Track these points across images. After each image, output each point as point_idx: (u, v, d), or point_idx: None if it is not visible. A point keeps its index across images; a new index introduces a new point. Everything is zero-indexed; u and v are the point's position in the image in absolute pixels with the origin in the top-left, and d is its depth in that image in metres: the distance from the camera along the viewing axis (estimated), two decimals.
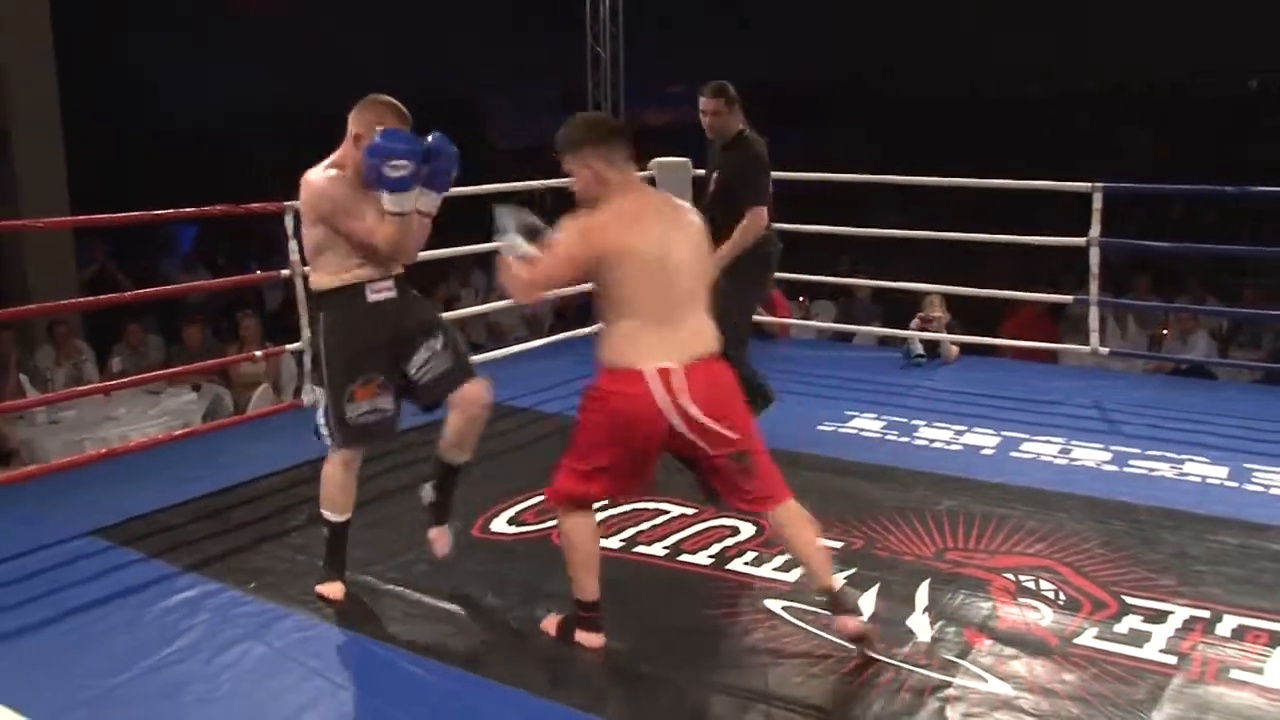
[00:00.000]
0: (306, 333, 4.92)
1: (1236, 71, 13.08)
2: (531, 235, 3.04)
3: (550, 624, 3.22)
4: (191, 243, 12.18)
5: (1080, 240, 5.80)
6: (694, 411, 2.90)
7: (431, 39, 14.54)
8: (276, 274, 4.98)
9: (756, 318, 6.96)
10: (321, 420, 3.46)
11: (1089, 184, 5.70)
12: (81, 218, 6.51)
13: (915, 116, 14.33)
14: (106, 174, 10.19)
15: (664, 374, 2.88)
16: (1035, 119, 14.31)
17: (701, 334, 3.00)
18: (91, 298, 6.12)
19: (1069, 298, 6.24)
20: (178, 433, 4.89)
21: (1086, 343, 6.05)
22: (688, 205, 3.19)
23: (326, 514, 3.48)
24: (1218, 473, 4.62)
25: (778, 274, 6.98)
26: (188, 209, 4.58)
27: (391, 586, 3.56)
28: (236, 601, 3.48)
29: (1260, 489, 4.45)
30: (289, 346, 5.24)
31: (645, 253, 2.90)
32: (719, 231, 4.77)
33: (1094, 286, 5.81)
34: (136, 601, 3.49)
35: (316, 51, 14.27)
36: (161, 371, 5.55)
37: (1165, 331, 7.90)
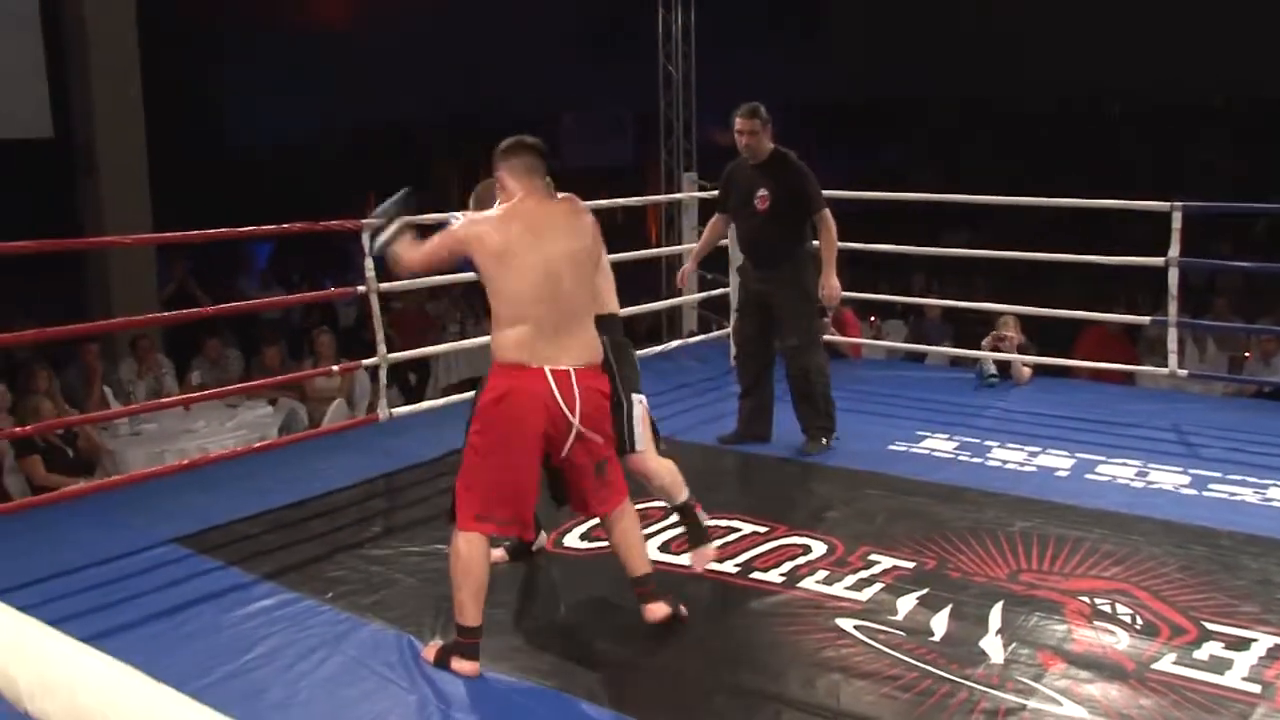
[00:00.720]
0: (382, 348, 5.02)
1: None
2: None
3: (430, 652, 3.19)
4: (267, 261, 12.43)
5: (1159, 260, 5.71)
6: (579, 414, 3.11)
7: (506, 59, 14.72)
8: (352, 290, 5.07)
9: (830, 338, 7.00)
10: None
11: (1168, 204, 5.60)
12: (164, 235, 6.69)
13: (997, 133, 14.24)
14: (188, 196, 10.45)
15: (561, 375, 3.08)
16: (1115, 135, 14.15)
17: (588, 343, 3.20)
18: (171, 313, 6.28)
19: (1146, 319, 6.13)
20: (255, 445, 4.98)
21: (1164, 364, 5.94)
22: (589, 221, 3.34)
23: None
24: None
25: (850, 293, 7.01)
26: (266, 226, 4.68)
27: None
28: (313, 611, 3.54)
29: None
30: (365, 362, 5.33)
31: (522, 256, 3.10)
32: (773, 246, 5.08)
33: (1173, 308, 5.71)
34: (216, 608, 3.57)
35: (391, 72, 14.53)
36: (239, 385, 5.67)
37: (1248, 354, 7.72)
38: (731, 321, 5.25)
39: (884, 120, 15.47)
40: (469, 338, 8.71)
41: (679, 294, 6.77)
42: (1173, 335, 5.79)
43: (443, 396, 6.49)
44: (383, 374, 5.10)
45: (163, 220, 8.54)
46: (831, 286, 5.03)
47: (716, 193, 5.35)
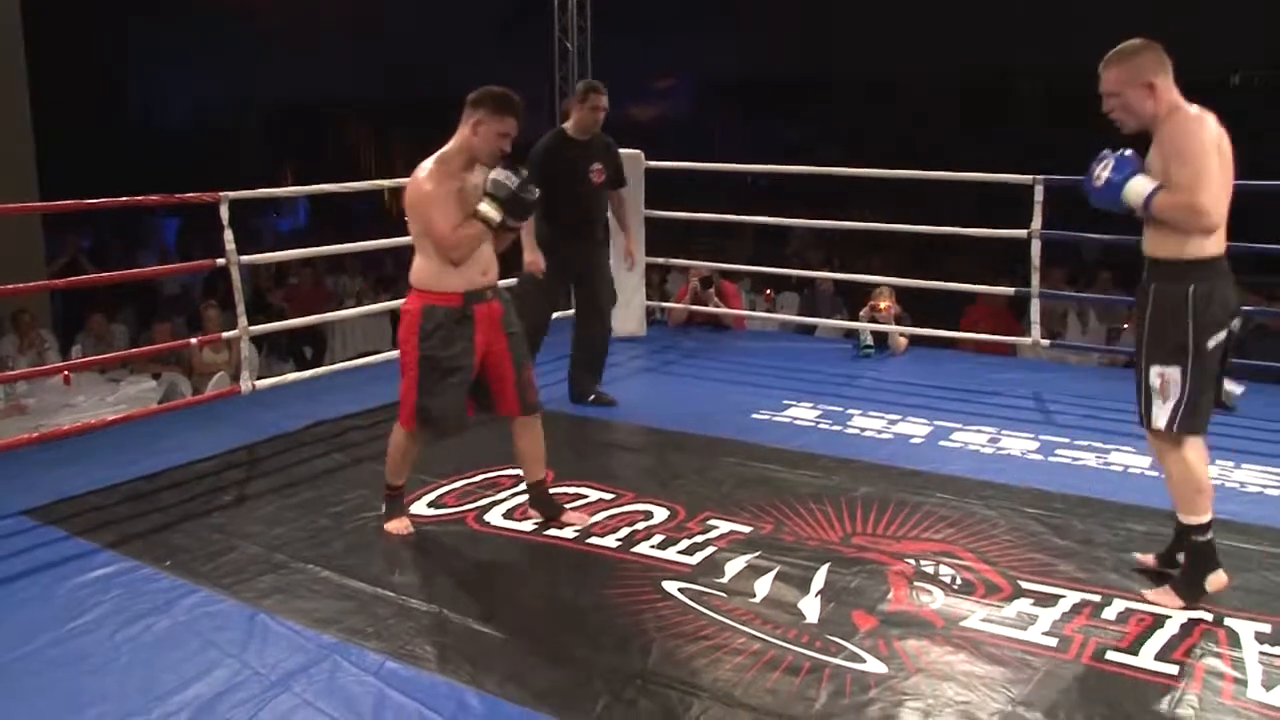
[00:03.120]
0: (242, 320, 5.03)
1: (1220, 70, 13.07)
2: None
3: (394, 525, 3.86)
4: (175, 237, 12.30)
5: (1022, 233, 5.85)
6: None
7: (419, 36, 14.63)
8: (212, 262, 5.06)
9: (713, 309, 7.11)
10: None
11: (1030, 177, 5.75)
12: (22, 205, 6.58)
13: (901, 111, 14.36)
14: (93, 172, 10.29)
15: None
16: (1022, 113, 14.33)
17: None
18: (40, 283, 6.19)
19: (1010, 290, 6.28)
20: (110, 418, 4.96)
21: (1044, 336, 6.10)
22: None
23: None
24: (1141, 462, 4.67)
25: (735, 266, 7.11)
26: (122, 198, 4.65)
27: (304, 565, 3.64)
28: (151, 578, 3.57)
29: None
30: (225, 334, 5.34)
31: None
32: (600, 217, 5.51)
33: (1035, 279, 5.86)
34: (52, 577, 3.59)
35: (296, 51, 14.39)
36: (108, 355, 5.62)
37: (1125, 325, 7.93)
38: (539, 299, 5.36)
39: (790, 98, 15.55)
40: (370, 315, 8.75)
41: None
42: (1035, 306, 5.94)
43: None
44: (244, 345, 5.12)
45: (61, 195, 8.40)
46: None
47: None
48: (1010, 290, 6.30)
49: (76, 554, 3.76)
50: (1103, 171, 3.28)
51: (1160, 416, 3.33)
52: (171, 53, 14.47)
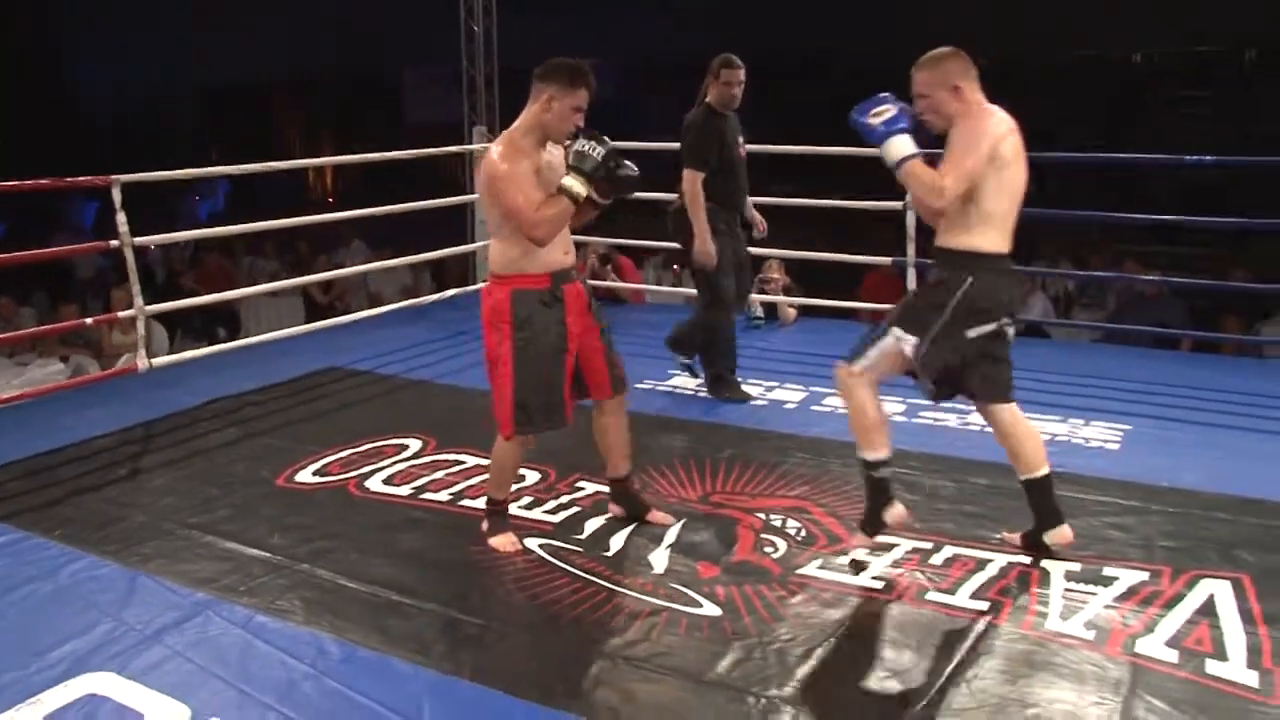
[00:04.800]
0: (138, 300, 5.19)
1: (1122, 47, 13.43)
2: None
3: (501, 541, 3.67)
4: (93, 219, 12.31)
5: (898, 204, 6.14)
6: None
7: (348, 16, 14.68)
8: (107, 244, 5.20)
9: (610, 283, 7.33)
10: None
11: None
12: None
13: (835, 90, 14.56)
14: (8, 153, 10.29)
15: None
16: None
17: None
18: None
19: (888, 259, 6.57)
20: (10, 394, 5.10)
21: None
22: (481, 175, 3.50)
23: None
24: None
25: (628, 241, 7.32)
26: (9, 182, 4.77)
27: (188, 531, 3.84)
28: (40, 547, 3.75)
29: None
30: (120, 314, 5.50)
31: None
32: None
33: (910, 249, 6.16)
34: None
35: (224, 33, 14.38)
36: (4, 336, 5.74)
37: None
38: (724, 285, 5.22)
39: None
40: (282, 290, 8.88)
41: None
42: (911, 274, 6.24)
43: None
44: (140, 325, 5.27)
45: None
46: None
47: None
48: (888, 260, 6.58)
49: None
50: (876, 118, 3.35)
51: (861, 361, 3.52)
52: (100, 35, 14.40)
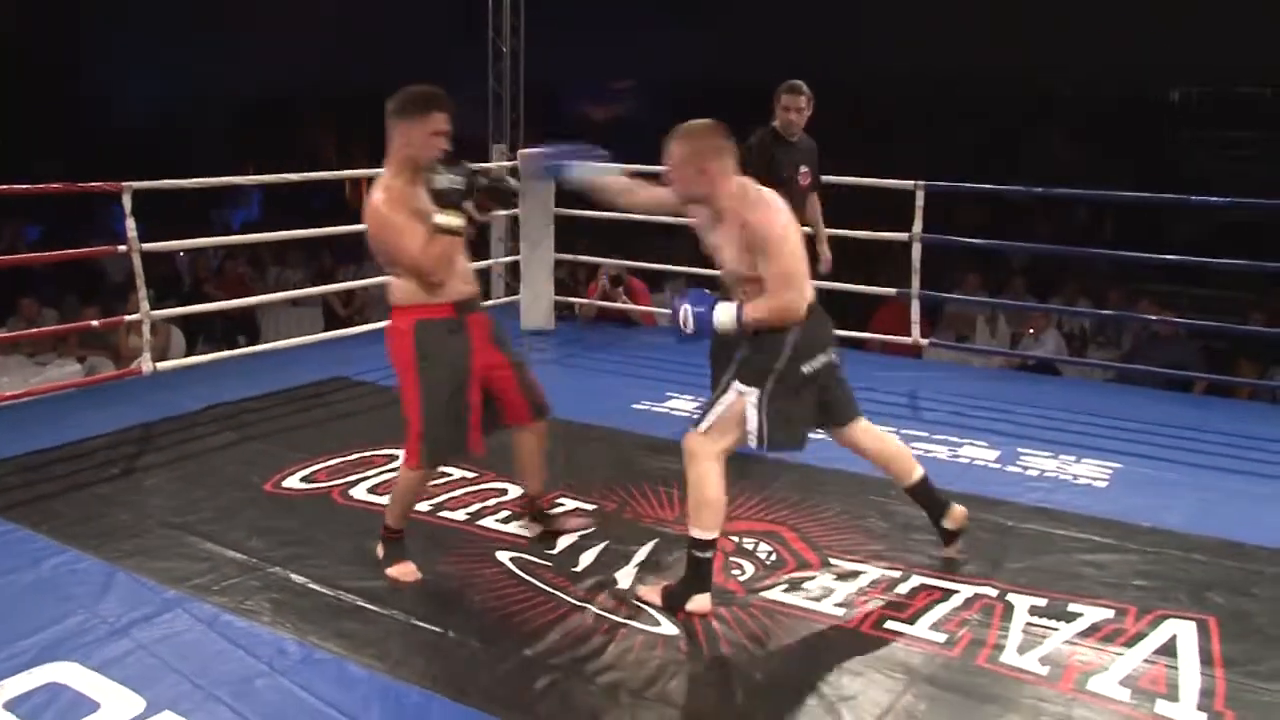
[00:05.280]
0: (144, 304, 5.32)
1: (1161, 83, 13.44)
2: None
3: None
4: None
5: (904, 235, 6.16)
6: None
7: (380, 34, 14.91)
8: (114, 249, 5.34)
9: (623, 305, 7.40)
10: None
11: (911, 182, 6.06)
12: None
13: (852, 114, 14.63)
14: (45, 164, 10.54)
15: None
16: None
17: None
18: None
19: (892, 290, 6.58)
20: (7, 394, 5.24)
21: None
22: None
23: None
24: (988, 455, 4.99)
25: (642, 264, 7.37)
26: (21, 185, 4.91)
27: (170, 530, 3.94)
28: (26, 539, 3.85)
29: (1019, 470, 4.81)
30: (127, 317, 5.63)
31: None
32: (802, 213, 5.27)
33: (915, 281, 6.18)
34: None
35: (266, 45, 14.65)
36: (11, 334, 5.89)
37: (1032, 330, 8.24)
38: None
39: (749, 100, 15.79)
40: (303, 301, 9.03)
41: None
42: (915, 307, 6.26)
43: None
44: (145, 329, 5.39)
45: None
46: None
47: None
48: (893, 291, 6.59)
49: None
50: (687, 317, 3.40)
51: (706, 422, 3.44)
52: (134, 48, 14.73)
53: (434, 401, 3.45)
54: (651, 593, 3.49)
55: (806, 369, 3.42)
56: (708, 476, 3.38)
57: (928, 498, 3.84)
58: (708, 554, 3.40)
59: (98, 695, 2.88)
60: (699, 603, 3.40)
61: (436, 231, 3.31)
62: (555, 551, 3.82)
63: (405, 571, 3.61)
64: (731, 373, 3.44)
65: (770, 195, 3.41)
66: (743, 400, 3.38)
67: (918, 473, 3.78)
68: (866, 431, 3.74)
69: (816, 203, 5.55)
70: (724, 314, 3.36)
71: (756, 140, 5.21)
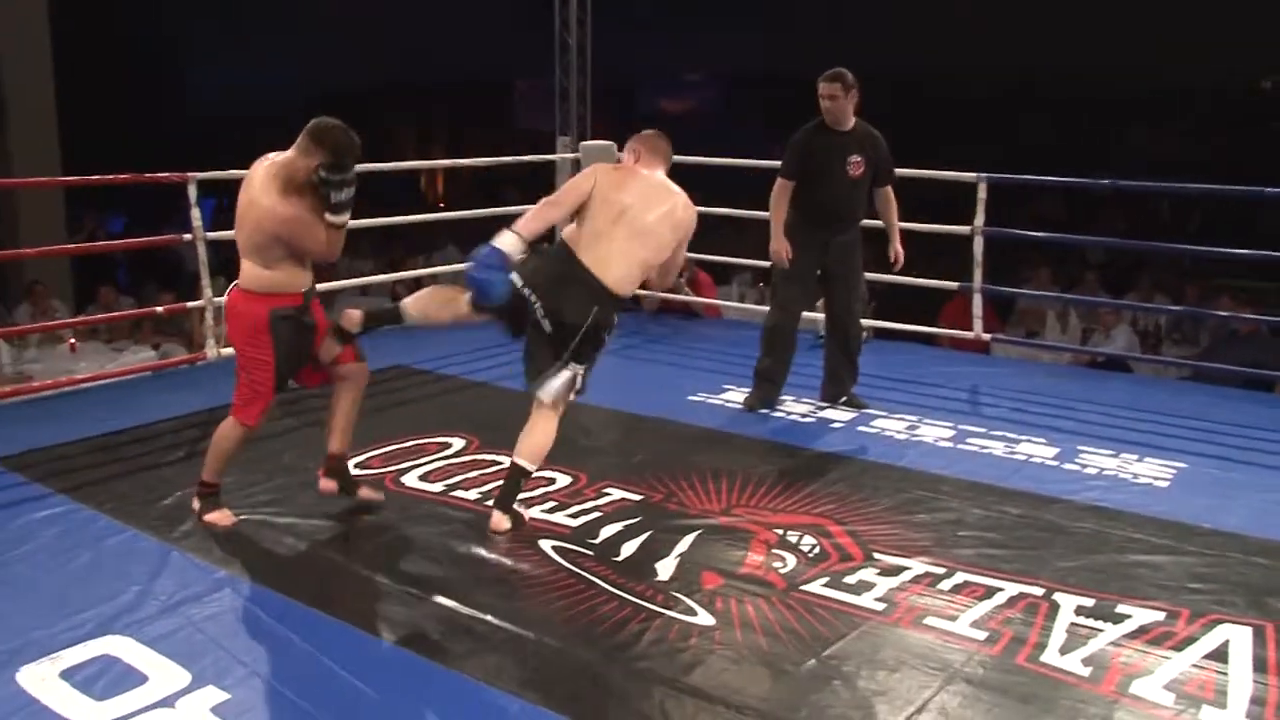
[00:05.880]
0: (208, 291, 5.46)
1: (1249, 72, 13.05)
2: None
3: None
4: (210, 215, 12.83)
5: (965, 229, 6.08)
6: None
7: (462, 27, 15.07)
8: (179, 237, 5.49)
9: (685, 297, 7.41)
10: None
11: (974, 174, 5.97)
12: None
13: (931, 111, 14.46)
14: (127, 154, 10.83)
15: None
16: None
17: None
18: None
19: (954, 285, 6.49)
20: (81, 376, 5.41)
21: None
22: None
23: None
24: (1046, 452, 4.90)
25: (709, 257, 7.36)
26: (96, 176, 5.09)
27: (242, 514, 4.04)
28: (91, 519, 3.98)
29: (1077, 468, 4.72)
30: (189, 304, 5.79)
31: None
32: (855, 213, 5.34)
33: (978, 274, 6.10)
34: (4, 515, 4.00)
35: (350, 39, 14.88)
36: (67, 321, 6.08)
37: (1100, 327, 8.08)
38: (782, 290, 5.42)
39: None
40: (372, 290, 9.18)
41: None
42: (978, 301, 6.17)
43: None
44: (209, 315, 5.53)
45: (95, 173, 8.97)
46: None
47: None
48: (954, 285, 6.50)
49: (33, 496, 4.18)
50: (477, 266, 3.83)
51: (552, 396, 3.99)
52: (213, 39, 15.07)
53: (280, 376, 3.89)
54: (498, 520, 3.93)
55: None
56: (553, 431, 4.03)
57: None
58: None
59: (147, 669, 2.97)
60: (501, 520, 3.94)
61: (332, 228, 3.77)
62: (598, 541, 3.84)
63: (222, 516, 3.96)
64: (569, 356, 3.95)
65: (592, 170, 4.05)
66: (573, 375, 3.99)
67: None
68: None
69: (886, 196, 5.38)
70: (504, 240, 3.85)
71: (798, 132, 5.25)
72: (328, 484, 4.12)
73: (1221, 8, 12.09)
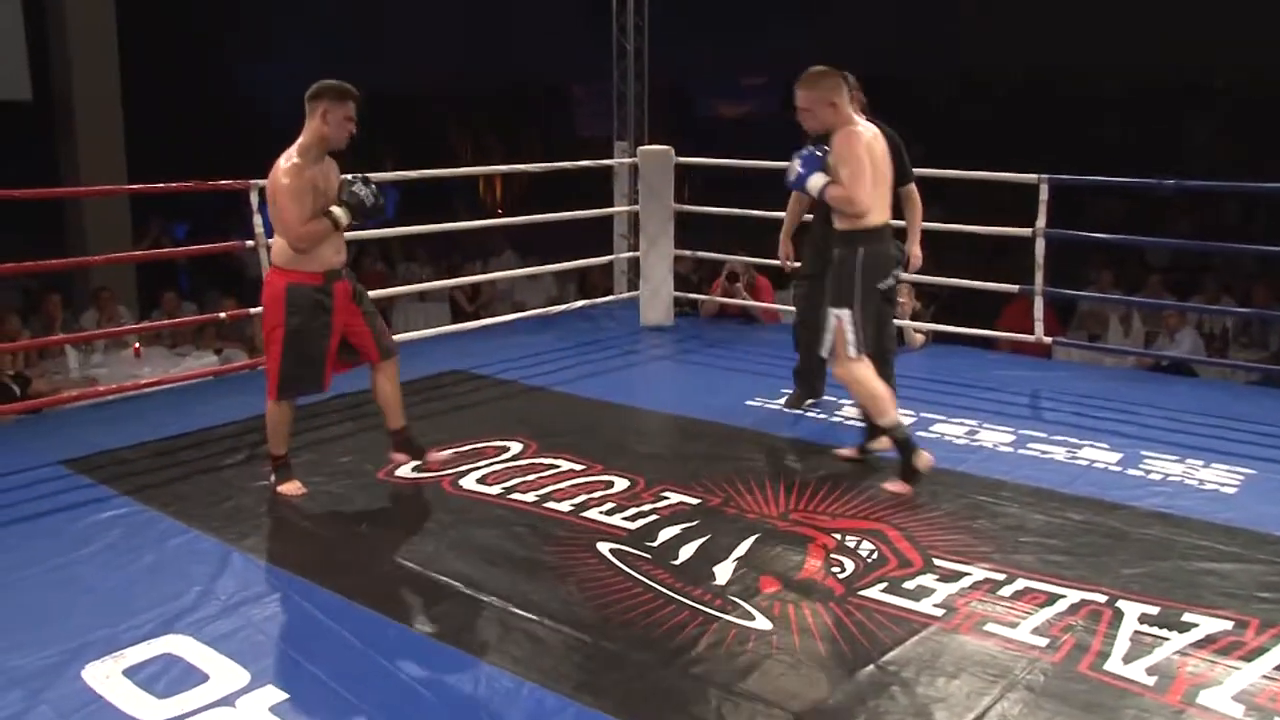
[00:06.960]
0: None
1: None
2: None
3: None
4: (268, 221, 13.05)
5: (1027, 231, 5.99)
6: None
7: (517, 31, 15.16)
8: (242, 244, 5.56)
9: (746, 302, 7.38)
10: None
11: (1035, 176, 5.89)
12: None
13: (982, 109, 14.32)
14: (191, 158, 11.02)
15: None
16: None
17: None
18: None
19: (1014, 287, 6.40)
20: (144, 381, 5.50)
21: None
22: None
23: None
24: (1109, 458, 4.81)
25: (762, 260, 7.33)
26: (160, 184, 5.17)
27: (286, 514, 4.11)
28: (155, 520, 4.05)
29: (1141, 474, 4.62)
30: (252, 310, 5.84)
31: None
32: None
33: (1039, 277, 6.00)
34: (70, 516, 4.10)
35: (403, 42, 15.01)
36: (131, 327, 6.19)
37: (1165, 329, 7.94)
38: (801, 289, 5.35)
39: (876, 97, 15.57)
40: (431, 296, 9.26)
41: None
42: (1039, 304, 6.08)
43: None
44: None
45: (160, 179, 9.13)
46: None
47: None
48: (1015, 288, 6.41)
49: (97, 498, 4.27)
50: (795, 166, 4.32)
51: (828, 351, 4.34)
52: (272, 42, 15.27)
53: (295, 351, 4.03)
54: (895, 485, 4.33)
55: (882, 285, 4.39)
56: (867, 379, 4.34)
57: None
58: (902, 431, 4.35)
59: (207, 667, 3.01)
60: (922, 460, 4.33)
61: (325, 216, 3.89)
62: (655, 544, 3.83)
63: (292, 489, 4.22)
64: (827, 301, 4.32)
65: (863, 127, 4.31)
66: (839, 321, 4.29)
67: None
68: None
69: (908, 195, 5.09)
70: (815, 180, 4.26)
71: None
72: (399, 455, 4.49)
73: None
